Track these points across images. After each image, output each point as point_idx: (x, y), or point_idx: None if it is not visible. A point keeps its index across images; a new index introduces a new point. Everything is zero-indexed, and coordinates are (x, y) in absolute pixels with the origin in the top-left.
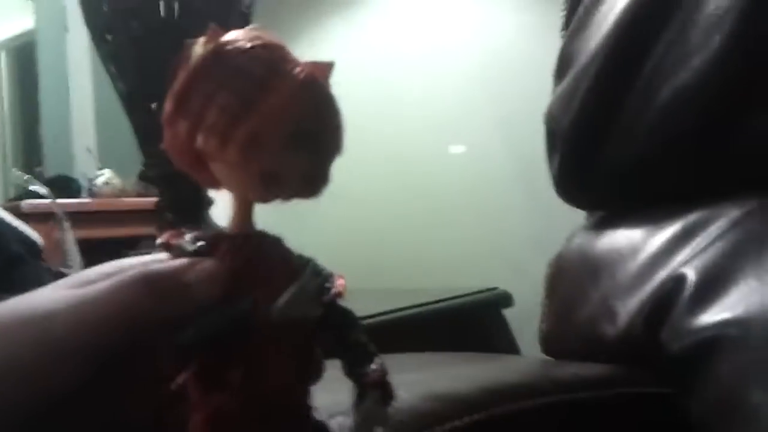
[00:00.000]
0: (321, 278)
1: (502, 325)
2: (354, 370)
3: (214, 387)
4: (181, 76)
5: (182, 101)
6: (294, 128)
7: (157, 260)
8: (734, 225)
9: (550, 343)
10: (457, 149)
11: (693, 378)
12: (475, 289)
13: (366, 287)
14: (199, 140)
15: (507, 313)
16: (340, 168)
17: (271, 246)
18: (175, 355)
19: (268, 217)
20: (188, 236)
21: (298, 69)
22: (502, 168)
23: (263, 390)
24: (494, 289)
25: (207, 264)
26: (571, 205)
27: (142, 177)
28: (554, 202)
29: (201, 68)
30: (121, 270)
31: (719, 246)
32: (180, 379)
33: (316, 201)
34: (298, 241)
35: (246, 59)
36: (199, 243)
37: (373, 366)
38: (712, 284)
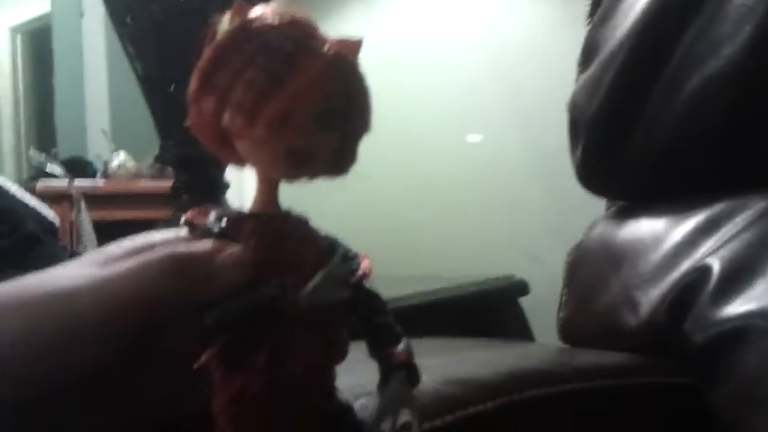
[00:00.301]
0: (350, 261)
1: (518, 313)
2: (380, 351)
3: (238, 368)
4: (207, 53)
5: (208, 78)
6: (322, 106)
7: (181, 238)
8: (760, 216)
9: (569, 331)
10: (474, 138)
11: (716, 369)
12: (491, 277)
13: (383, 274)
14: (226, 118)
15: (523, 301)
16: (358, 156)
17: (296, 226)
18: (200, 336)
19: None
20: (212, 216)
21: (326, 46)
22: (519, 157)
23: (288, 372)
24: (510, 277)
25: (234, 249)
26: (593, 195)
27: (159, 159)
28: (571, 192)
29: (228, 44)
30: (146, 247)
31: (745, 237)
32: (204, 359)
33: (334, 188)
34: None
35: (274, 35)
36: (223, 223)
37: (400, 347)
38: (737, 275)
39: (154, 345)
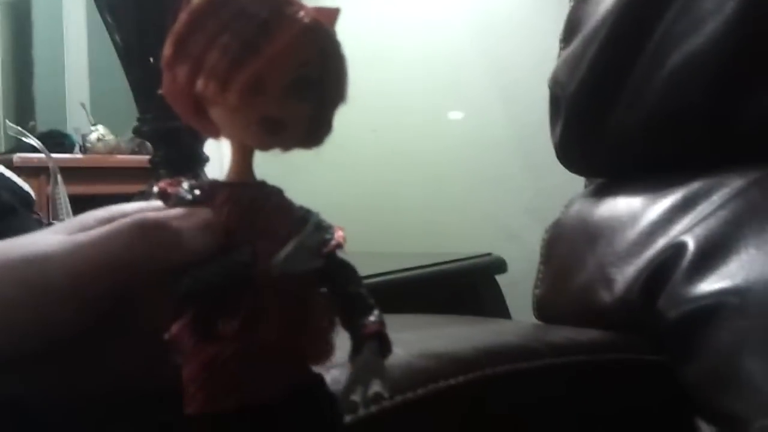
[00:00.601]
0: (323, 230)
1: (495, 291)
2: (351, 322)
3: (209, 337)
4: (182, 19)
5: (183, 44)
6: (297, 74)
7: (153, 207)
8: (736, 195)
9: (544, 308)
10: (455, 115)
11: (689, 345)
12: (469, 255)
13: (360, 250)
14: (199, 84)
15: (501, 279)
16: (336, 131)
17: (271, 196)
18: (171, 304)
19: (264, 177)
20: (185, 185)
21: (302, 13)
22: (500, 135)
23: (259, 341)
24: (488, 254)
25: (203, 213)
26: (572, 172)
27: (137, 132)
28: (551, 170)
29: (203, 10)
30: (118, 215)
31: (720, 215)
32: (175, 328)
33: (314, 164)
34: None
35: (250, 1)
36: (196, 192)
37: (372, 317)
38: (712, 253)
39: (126, 313)
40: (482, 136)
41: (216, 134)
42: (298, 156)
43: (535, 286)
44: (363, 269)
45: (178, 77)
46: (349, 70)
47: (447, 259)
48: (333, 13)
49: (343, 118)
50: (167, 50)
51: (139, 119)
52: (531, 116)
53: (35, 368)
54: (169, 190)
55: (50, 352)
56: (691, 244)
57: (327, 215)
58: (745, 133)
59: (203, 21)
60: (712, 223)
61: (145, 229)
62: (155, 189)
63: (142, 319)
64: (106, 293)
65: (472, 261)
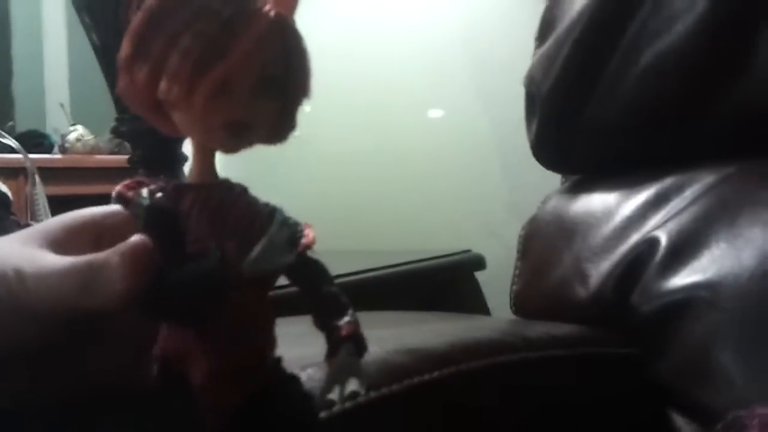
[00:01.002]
0: (290, 227)
1: (474, 288)
2: (326, 323)
3: (194, 343)
4: (140, 16)
5: (141, 44)
6: (263, 72)
7: (107, 213)
8: (709, 190)
9: (521, 304)
10: (435, 113)
11: (663, 340)
12: (448, 252)
13: (340, 248)
14: (162, 87)
15: (480, 276)
16: (315, 130)
17: (236, 195)
18: (150, 319)
19: (239, 176)
20: (145, 191)
21: (266, 8)
22: (480, 133)
23: (241, 344)
24: (467, 252)
25: (125, 248)
26: (548, 170)
27: (115, 132)
28: (529, 168)
29: (161, 6)
30: (84, 223)
31: (692, 210)
32: (158, 343)
33: (292, 162)
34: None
35: None
36: (158, 195)
37: (346, 318)
38: (684, 248)
39: (99, 325)
40: (462, 135)
41: (176, 132)
42: (278, 155)
43: (512, 282)
44: (342, 267)
45: (138, 78)
46: (319, 70)
47: (426, 256)
48: (292, 2)
49: (322, 116)
50: (125, 50)
51: (117, 119)
52: (510, 114)
53: (5, 375)
54: (128, 194)
55: (20, 361)
56: (663, 239)
57: (305, 213)
58: (717, 129)
59: (162, 19)
60: (684, 218)
61: (93, 268)
62: (113, 192)
63: (116, 328)
64: (67, 320)
65: (450, 258)
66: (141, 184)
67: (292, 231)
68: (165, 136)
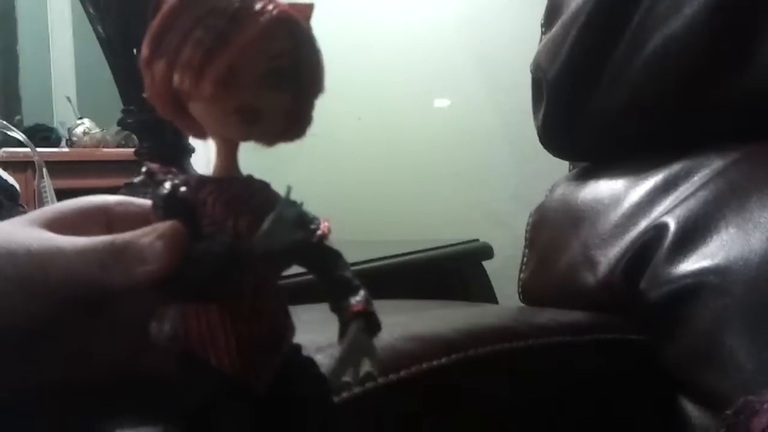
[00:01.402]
0: (298, 207)
1: (482, 277)
2: (338, 304)
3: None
4: (157, 19)
5: (159, 42)
6: (270, 65)
7: (132, 201)
8: (717, 175)
9: (529, 291)
10: (442, 103)
11: (672, 325)
12: (456, 241)
13: (347, 238)
14: (176, 79)
15: (488, 266)
16: (323, 122)
17: (257, 190)
18: (171, 299)
19: (252, 169)
20: (168, 183)
21: (271, 5)
22: (487, 122)
23: (262, 320)
24: (475, 241)
25: (169, 227)
26: (555, 156)
27: (121, 124)
28: (537, 156)
29: (176, 8)
30: (97, 206)
31: (701, 195)
32: (179, 327)
33: (300, 152)
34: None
35: None
36: (182, 188)
37: (358, 297)
38: (693, 233)
39: (103, 307)
40: (469, 124)
41: (199, 133)
42: (286, 147)
43: (520, 270)
44: (350, 257)
45: (156, 75)
46: (326, 61)
47: (433, 245)
48: (307, 9)
49: (330, 107)
50: (144, 51)
51: (123, 111)
52: (517, 103)
53: (6, 356)
54: (158, 177)
55: (18, 339)
56: (672, 224)
57: (315, 204)
58: (725, 113)
59: (177, 19)
60: (692, 203)
61: (117, 248)
62: (143, 168)
63: (120, 312)
64: (79, 297)
65: (458, 247)
66: (170, 172)
67: (300, 212)
68: (172, 127)
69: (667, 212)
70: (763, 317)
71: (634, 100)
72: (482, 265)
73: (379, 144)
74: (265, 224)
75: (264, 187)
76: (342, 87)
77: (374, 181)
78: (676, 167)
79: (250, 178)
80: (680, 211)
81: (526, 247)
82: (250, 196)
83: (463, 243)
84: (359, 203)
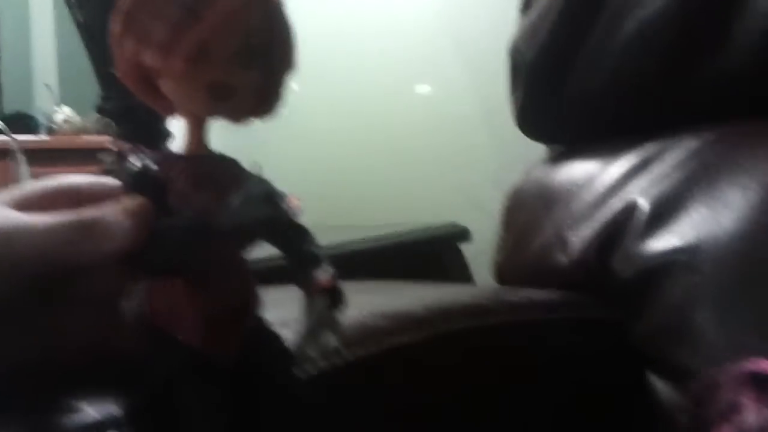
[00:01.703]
0: (267, 184)
1: (459, 259)
2: (302, 277)
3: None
4: None
5: (129, 18)
6: (242, 41)
7: (86, 181)
8: (691, 155)
9: (504, 274)
10: (423, 89)
11: (642, 303)
12: (434, 224)
13: (327, 223)
14: (146, 56)
15: (466, 250)
16: (303, 107)
17: (226, 168)
18: (139, 275)
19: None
20: (139, 158)
21: None
22: (467, 108)
23: (229, 294)
24: (452, 224)
25: (137, 202)
26: (532, 139)
27: (99, 110)
28: (517, 142)
29: None
30: (63, 188)
31: (674, 176)
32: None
33: (281, 138)
34: None
35: None
36: (151, 164)
37: (322, 271)
38: (664, 212)
39: (71, 287)
40: (449, 109)
41: (170, 110)
42: (266, 131)
43: (496, 252)
44: (328, 241)
45: (126, 52)
46: (307, 45)
47: (411, 228)
48: None
49: (309, 91)
50: (115, 27)
51: (101, 97)
52: (498, 88)
53: None
54: (128, 156)
55: None
56: (644, 204)
57: (294, 189)
58: (699, 94)
59: None
60: (665, 183)
61: (84, 224)
62: (114, 148)
63: (88, 292)
64: (46, 275)
65: (435, 230)
66: (139, 150)
67: (269, 189)
68: (149, 112)
69: (640, 192)
70: (731, 294)
71: (610, 83)
72: (459, 249)
73: (361, 130)
74: (233, 200)
75: (233, 164)
76: (322, 72)
77: (355, 166)
78: (650, 148)
79: (220, 156)
80: (653, 191)
81: (501, 230)
82: (219, 174)
83: (440, 226)
84: (338, 188)
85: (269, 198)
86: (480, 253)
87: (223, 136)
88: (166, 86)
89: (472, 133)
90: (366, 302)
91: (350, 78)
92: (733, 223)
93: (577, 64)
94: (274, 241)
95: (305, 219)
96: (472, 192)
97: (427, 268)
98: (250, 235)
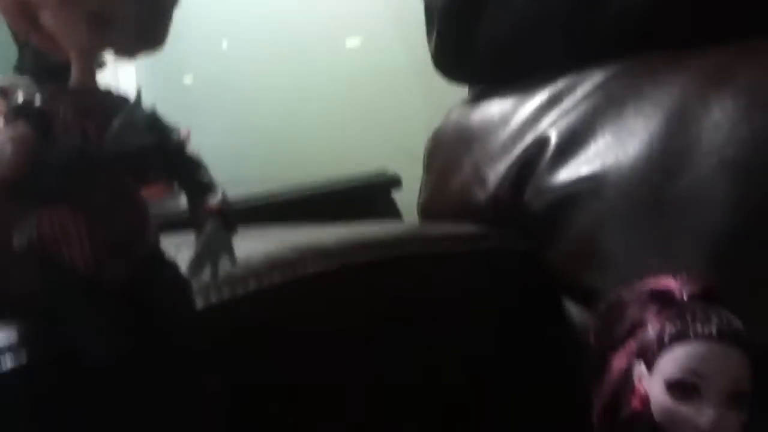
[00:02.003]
0: (150, 114)
1: (391, 206)
2: (195, 204)
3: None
4: None
5: None
6: None
7: None
8: (597, 88)
9: (428, 213)
10: (353, 42)
11: (553, 232)
12: (365, 173)
13: (262, 178)
14: None
15: (399, 199)
16: (233, 63)
17: (112, 100)
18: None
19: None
20: (21, 93)
21: None
22: (399, 58)
23: (117, 219)
24: (383, 171)
25: (18, 129)
26: (449, 80)
27: (18, 69)
28: (448, 91)
29: None
30: None
31: (581, 108)
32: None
33: (212, 97)
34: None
35: None
36: (37, 96)
37: (215, 197)
38: (572, 144)
39: None
40: (381, 61)
41: (55, 47)
42: (195, 88)
43: (420, 194)
44: (260, 192)
45: None
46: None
47: (342, 176)
48: None
49: (240, 49)
50: None
51: (19, 54)
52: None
53: None
54: (12, 89)
55: None
56: (553, 137)
57: (227, 145)
58: (607, 30)
59: None
60: (573, 116)
61: None
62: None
63: None
64: None
65: (366, 178)
66: (20, 85)
67: (152, 117)
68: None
69: (551, 126)
70: (635, 218)
71: (521, 21)
72: (391, 195)
73: (291, 86)
74: (114, 126)
75: (120, 98)
76: (252, 28)
77: (287, 122)
78: (560, 84)
79: (107, 90)
80: (562, 124)
81: (424, 171)
82: (104, 105)
83: (371, 174)
84: (272, 144)
85: (155, 127)
86: (412, 200)
87: (153, 95)
88: (47, 19)
89: (404, 84)
90: (280, 237)
91: (280, 34)
92: (636, 149)
93: (489, 4)
94: (167, 172)
95: (241, 175)
96: (406, 142)
97: (359, 215)
98: (138, 163)
